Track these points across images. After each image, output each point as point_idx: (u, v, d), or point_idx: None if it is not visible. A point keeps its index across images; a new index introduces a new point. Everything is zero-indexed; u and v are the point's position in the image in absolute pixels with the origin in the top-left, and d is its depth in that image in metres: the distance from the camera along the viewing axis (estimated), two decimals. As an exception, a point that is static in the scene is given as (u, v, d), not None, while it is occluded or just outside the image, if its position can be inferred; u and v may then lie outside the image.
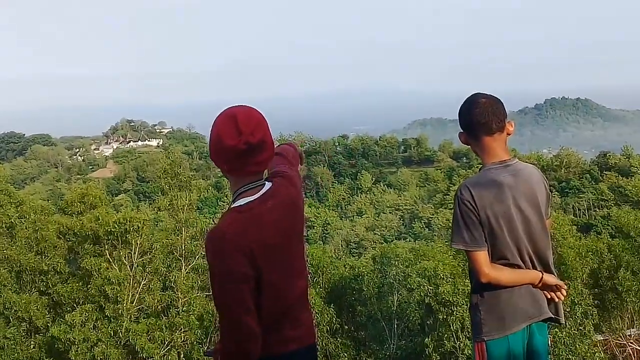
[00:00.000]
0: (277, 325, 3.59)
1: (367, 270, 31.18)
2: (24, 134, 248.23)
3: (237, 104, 3.62)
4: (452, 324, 23.42)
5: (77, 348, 26.18)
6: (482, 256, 4.17)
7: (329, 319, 27.26)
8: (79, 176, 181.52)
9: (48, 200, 63.35)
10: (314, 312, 22.31)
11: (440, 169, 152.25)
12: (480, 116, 4.28)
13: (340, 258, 48.22)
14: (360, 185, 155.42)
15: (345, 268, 32.47)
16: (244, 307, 3.41)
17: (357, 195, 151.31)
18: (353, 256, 72.70)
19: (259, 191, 3.58)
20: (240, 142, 3.47)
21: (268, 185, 3.64)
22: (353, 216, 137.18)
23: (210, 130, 3.57)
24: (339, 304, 29.53)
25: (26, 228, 30.94)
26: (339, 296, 30.29)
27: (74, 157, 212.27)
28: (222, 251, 3.41)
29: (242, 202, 3.57)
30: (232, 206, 3.62)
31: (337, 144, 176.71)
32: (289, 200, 3.68)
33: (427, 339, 24.62)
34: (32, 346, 29.05)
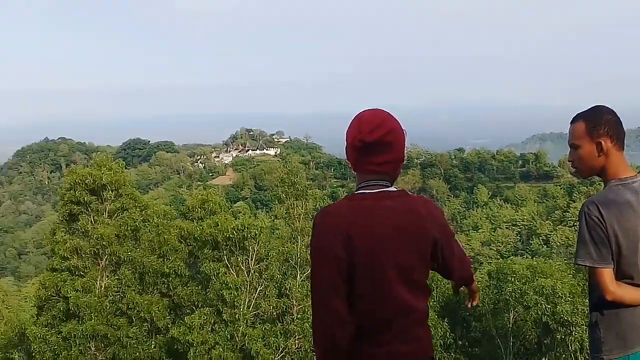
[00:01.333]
0: (379, 333, 3.52)
1: (483, 286, 30.65)
2: (149, 141, 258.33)
3: (374, 108, 3.72)
4: (571, 345, 22.76)
5: (196, 350, 26.95)
6: (608, 274, 4.08)
7: (442, 333, 26.99)
8: (199, 182, 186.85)
9: (170, 205, 65.43)
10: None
11: (559, 185, 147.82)
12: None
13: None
14: (476, 200, 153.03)
15: (460, 282, 31.97)
16: (331, 286, 3.43)
17: (473, 209, 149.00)
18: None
19: (377, 189, 3.62)
20: (355, 139, 3.59)
21: (392, 188, 3.66)
22: (468, 230, 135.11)
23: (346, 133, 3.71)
24: (452, 318, 29.19)
25: (150, 231, 32.10)
26: (453, 310, 29.94)
27: (195, 164, 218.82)
28: (320, 228, 3.49)
29: (357, 193, 3.65)
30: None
31: (453, 157, 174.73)
32: (414, 213, 3.61)
33: (543, 359, 23.97)
34: (152, 346, 30.10)
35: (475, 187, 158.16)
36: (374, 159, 3.60)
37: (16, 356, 38.78)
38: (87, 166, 34.78)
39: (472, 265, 4.06)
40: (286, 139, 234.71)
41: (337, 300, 3.42)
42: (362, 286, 3.46)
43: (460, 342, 29.19)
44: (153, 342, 30.19)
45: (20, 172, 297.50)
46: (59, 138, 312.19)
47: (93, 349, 30.41)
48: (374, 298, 3.49)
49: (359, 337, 3.50)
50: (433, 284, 30.17)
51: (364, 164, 3.63)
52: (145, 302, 29.70)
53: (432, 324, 26.17)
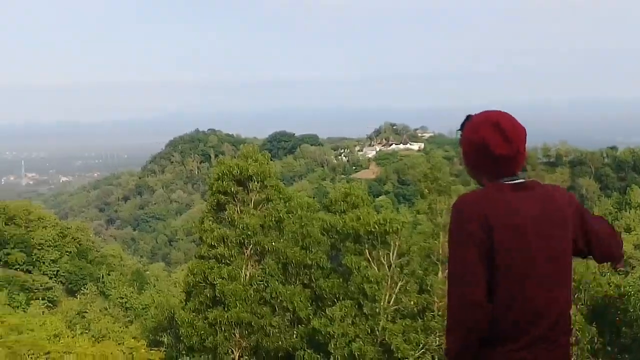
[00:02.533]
0: (515, 325, 3.41)
1: (635, 290, 29.15)
2: (294, 134, 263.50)
3: (492, 109, 3.64)
4: None
5: (336, 342, 27.13)
6: None
7: (590, 337, 25.88)
8: (342, 176, 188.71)
9: (314, 197, 66.30)
10: (574, 329, 21.26)
11: None
12: None
13: (605, 275, 45.58)
14: (630, 200, 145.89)
15: (610, 286, 30.61)
16: (470, 272, 3.36)
17: (626, 211, 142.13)
18: (618, 274, 68.40)
19: (511, 181, 3.58)
20: (512, 150, 3.53)
21: (524, 180, 3.61)
22: (621, 232, 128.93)
23: (469, 134, 3.63)
24: (601, 323, 27.93)
25: (293, 223, 32.61)
26: (602, 315, 28.63)
27: (339, 157, 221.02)
28: (460, 215, 3.45)
29: (493, 184, 3.58)
30: None
31: (605, 155, 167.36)
32: (551, 201, 3.55)
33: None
34: (294, 335, 30.57)
35: (628, 187, 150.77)
36: (517, 164, 3.60)
37: (165, 339, 40.51)
38: (235, 157, 35.72)
39: (620, 245, 3.82)
40: (430, 134, 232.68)
41: (475, 283, 3.36)
42: (501, 275, 3.38)
43: (609, 348, 27.86)
44: (295, 332, 30.67)
45: (172, 162, 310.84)
46: (208, 129, 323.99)
47: (237, 335, 31.26)
48: (513, 288, 3.40)
49: (493, 338, 3.41)
50: (581, 287, 28.99)
51: (506, 169, 3.59)
52: (288, 292, 30.19)
53: (579, 327, 25.17)
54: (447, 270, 3.61)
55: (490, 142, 3.53)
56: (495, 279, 3.38)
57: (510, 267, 3.38)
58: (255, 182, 32.91)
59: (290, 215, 32.93)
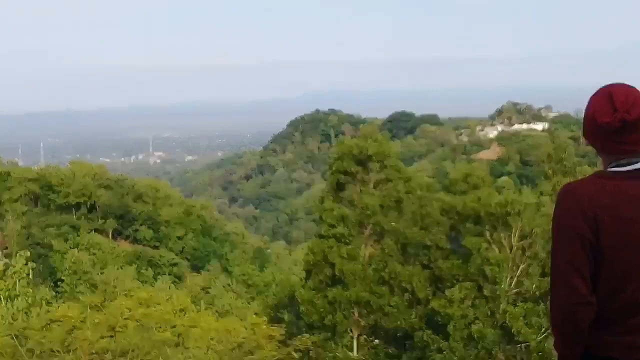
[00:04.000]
0: (620, 321, 3.30)
1: None
2: (414, 114, 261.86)
3: (615, 83, 3.45)
4: None
5: (455, 323, 26.92)
6: None
7: None
8: (463, 156, 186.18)
9: (433, 178, 65.88)
10: None
11: None
12: None
13: None
14: None
15: None
16: (574, 267, 3.26)
17: None
18: None
19: (629, 167, 3.38)
20: (615, 119, 3.31)
21: None
22: None
23: (585, 108, 3.49)
24: None
25: (412, 203, 32.47)
26: None
27: (460, 137, 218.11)
28: (564, 205, 3.34)
29: (606, 170, 3.43)
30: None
31: None
32: None
33: None
34: (412, 316, 30.52)
35: None
36: (630, 138, 3.34)
37: (286, 316, 41.27)
38: (355, 137, 35.81)
39: None
40: (555, 114, 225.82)
41: (580, 279, 3.27)
42: (606, 270, 3.28)
43: None
44: (413, 312, 30.61)
45: (293, 142, 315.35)
46: (328, 109, 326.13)
47: (356, 314, 31.50)
48: (618, 284, 3.29)
49: (600, 323, 3.33)
50: None
51: (619, 144, 3.37)
52: (407, 272, 30.14)
53: None
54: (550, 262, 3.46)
55: (596, 110, 3.38)
56: (599, 272, 3.29)
57: (615, 261, 3.27)
58: (375, 162, 32.94)
59: (409, 195, 32.80)
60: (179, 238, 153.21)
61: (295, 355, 29.89)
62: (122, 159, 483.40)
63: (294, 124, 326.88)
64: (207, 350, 29.84)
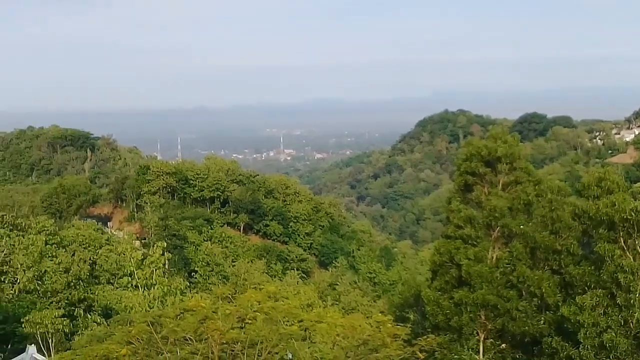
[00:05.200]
0: None
1: None
2: (546, 115, 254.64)
3: None
4: None
5: (586, 331, 26.21)
6: None
7: None
8: (597, 160, 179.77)
9: (565, 181, 64.00)
10: None
11: None
12: None
13: None
14: None
15: None
16: None
17: None
18: None
19: None
20: None
21: None
22: None
23: None
24: None
25: (542, 207, 31.77)
26: None
27: (594, 140, 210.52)
28: None
29: None
30: None
31: None
32: None
33: None
34: (541, 322, 29.93)
35: None
36: None
37: (411, 316, 41.42)
38: (483, 138, 35.44)
39: None
40: None
41: None
42: None
43: None
44: (542, 318, 30.03)
45: (421, 142, 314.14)
46: (457, 110, 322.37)
47: (483, 317, 31.21)
48: None
49: None
50: None
51: None
52: (536, 277, 29.60)
53: None
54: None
55: None
56: None
57: None
58: (504, 164, 32.49)
59: (539, 198, 32.13)
60: (308, 234, 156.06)
61: (421, 355, 29.98)
62: (254, 155, 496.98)
63: (423, 124, 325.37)
64: (333, 345, 30.44)
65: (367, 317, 33.93)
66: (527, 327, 29.91)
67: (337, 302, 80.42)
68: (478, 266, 30.91)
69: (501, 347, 32.38)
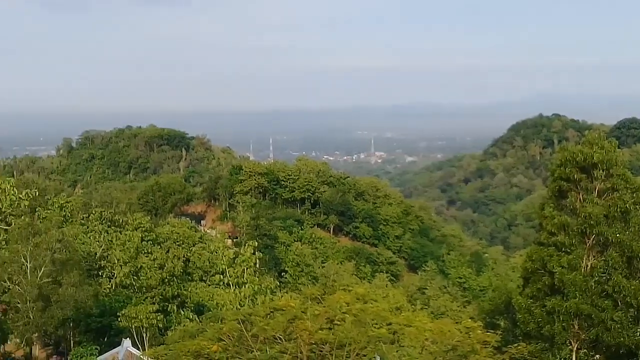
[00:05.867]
0: None
1: None
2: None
3: None
4: None
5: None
6: None
7: None
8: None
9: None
10: None
11: None
12: None
13: None
14: None
15: None
16: None
17: None
18: None
19: None
20: None
21: None
22: None
23: None
24: None
25: (640, 215, 30.86)
26: None
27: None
28: None
29: None
30: None
31: None
32: None
33: None
34: (637, 333, 29.09)
35: None
36: None
37: (502, 323, 40.87)
38: (579, 144, 34.64)
39: None
40: None
41: None
42: None
43: None
44: (638, 330, 29.19)
45: (514, 146, 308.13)
46: (552, 114, 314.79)
47: (576, 327, 30.53)
48: None
49: None
50: None
51: None
52: (633, 287, 28.81)
53: None
54: None
55: None
56: None
57: None
58: (600, 170, 31.69)
59: (637, 206, 31.21)
60: (397, 237, 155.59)
61: (510, 363, 29.61)
62: (345, 157, 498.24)
63: (516, 128, 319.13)
64: (422, 350, 30.34)
65: (456, 323, 33.63)
66: (622, 339, 29.12)
67: (426, 307, 79.81)
68: (572, 274, 30.26)
69: (595, 358, 31.62)
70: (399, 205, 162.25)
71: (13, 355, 63.69)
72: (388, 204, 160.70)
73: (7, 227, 66.09)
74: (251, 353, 29.52)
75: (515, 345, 30.69)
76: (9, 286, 56.13)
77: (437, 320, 40.64)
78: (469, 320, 34.98)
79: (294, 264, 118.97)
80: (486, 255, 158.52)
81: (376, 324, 31.90)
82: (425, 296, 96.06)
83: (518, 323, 32.87)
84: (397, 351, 30.11)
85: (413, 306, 70.54)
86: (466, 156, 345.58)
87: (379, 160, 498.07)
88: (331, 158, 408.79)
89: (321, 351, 29.07)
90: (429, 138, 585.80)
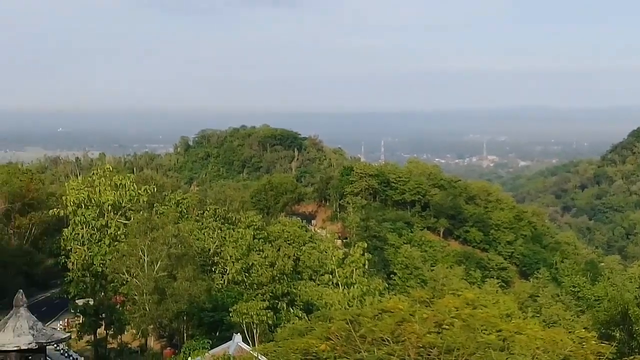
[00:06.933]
0: None
1: None
2: None
3: None
4: None
5: None
6: None
7: None
8: None
9: None
10: None
11: None
12: None
13: None
14: None
15: None
16: None
17: None
18: None
19: None
20: None
21: None
22: None
23: None
24: None
25: None
26: None
27: None
28: None
29: None
30: None
31: None
32: None
33: None
34: None
35: None
36: None
37: (617, 334, 39.51)
38: None
39: None
40: None
41: None
42: None
43: None
44: None
45: (634, 153, 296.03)
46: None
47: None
48: None
49: None
50: None
51: None
52: None
53: None
54: None
55: None
56: None
57: None
58: None
59: None
60: (509, 243, 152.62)
61: (626, 375, 28.63)
62: (456, 160, 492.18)
63: (636, 134, 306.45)
64: (532, 358, 29.71)
65: (569, 332, 32.76)
66: None
67: (538, 315, 78.02)
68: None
69: None
70: (511, 211, 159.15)
71: (129, 345, 66.36)
72: (500, 208, 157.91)
73: (126, 222, 68.78)
74: (358, 354, 29.68)
75: (632, 357, 29.67)
76: (127, 278, 58.56)
77: (549, 329, 39.69)
78: (583, 330, 34.01)
79: (402, 266, 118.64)
80: (602, 264, 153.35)
81: (485, 330, 31.46)
82: (537, 304, 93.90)
83: (635, 335, 31.84)
84: (507, 359, 29.62)
85: (524, 313, 69.09)
86: (582, 162, 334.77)
87: (491, 164, 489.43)
88: (442, 161, 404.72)
89: (429, 355, 28.92)
90: (544, 142, 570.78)
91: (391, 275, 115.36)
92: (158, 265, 57.01)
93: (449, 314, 31.27)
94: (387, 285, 77.84)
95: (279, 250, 77.44)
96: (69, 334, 25.67)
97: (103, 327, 65.18)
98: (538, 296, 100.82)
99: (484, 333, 30.95)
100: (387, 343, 29.74)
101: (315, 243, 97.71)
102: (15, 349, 15.39)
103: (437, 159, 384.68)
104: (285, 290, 68.34)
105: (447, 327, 30.20)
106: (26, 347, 15.42)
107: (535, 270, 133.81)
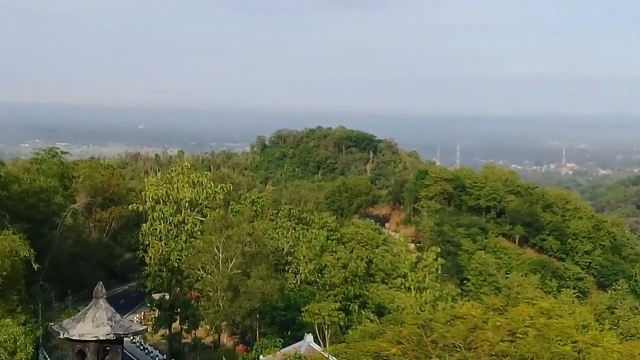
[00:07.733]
0: None
1: None
2: None
3: None
4: None
5: None
6: None
7: None
8: None
9: None
10: None
11: None
12: None
13: None
14: None
15: None
16: None
17: None
18: None
19: None
20: None
21: None
22: None
23: None
24: None
25: None
26: None
27: None
28: None
29: None
30: None
31: None
32: None
33: None
34: None
35: None
36: None
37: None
38: None
39: None
40: None
41: None
42: None
43: None
44: None
45: None
46: None
47: None
48: None
49: None
50: None
51: None
52: None
53: None
54: None
55: None
56: None
57: None
58: None
59: None
60: (587, 252, 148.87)
61: None
62: (534, 167, 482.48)
63: None
64: (609, 371, 29.09)
65: (648, 347, 31.87)
66: None
67: (615, 327, 76.07)
68: None
69: None
70: (590, 220, 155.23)
71: (203, 340, 67.55)
72: (578, 217, 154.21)
73: (202, 219, 69.86)
74: (429, 359, 29.59)
75: None
76: (202, 275, 59.56)
77: (626, 342, 38.71)
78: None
79: (476, 272, 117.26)
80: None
81: (560, 340, 30.94)
82: (615, 316, 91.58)
83: None
84: (582, 371, 29.08)
85: (601, 325, 67.47)
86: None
87: (570, 172, 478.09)
88: (519, 167, 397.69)
89: (501, 363, 28.64)
90: (625, 151, 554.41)
91: (464, 281, 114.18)
92: (232, 262, 57.74)
93: (523, 323, 30.88)
94: (460, 291, 77.19)
95: (351, 252, 77.58)
96: (145, 326, 26.23)
97: (178, 321, 66.53)
98: (616, 308, 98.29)
99: (559, 344, 30.45)
100: (458, 350, 29.55)
101: (389, 246, 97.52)
102: (94, 339, 15.86)
103: (513, 165, 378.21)
104: (357, 292, 68.43)
105: (520, 336, 29.83)
106: (104, 338, 15.88)
107: (614, 281, 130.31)
